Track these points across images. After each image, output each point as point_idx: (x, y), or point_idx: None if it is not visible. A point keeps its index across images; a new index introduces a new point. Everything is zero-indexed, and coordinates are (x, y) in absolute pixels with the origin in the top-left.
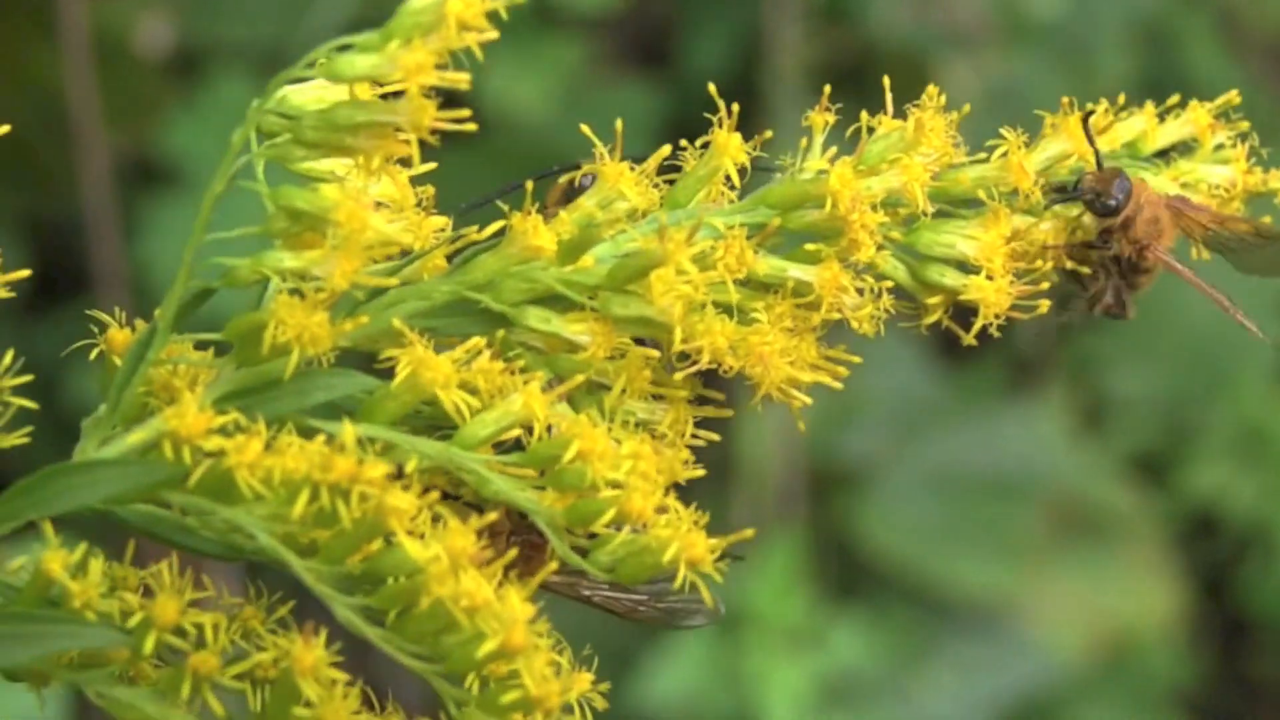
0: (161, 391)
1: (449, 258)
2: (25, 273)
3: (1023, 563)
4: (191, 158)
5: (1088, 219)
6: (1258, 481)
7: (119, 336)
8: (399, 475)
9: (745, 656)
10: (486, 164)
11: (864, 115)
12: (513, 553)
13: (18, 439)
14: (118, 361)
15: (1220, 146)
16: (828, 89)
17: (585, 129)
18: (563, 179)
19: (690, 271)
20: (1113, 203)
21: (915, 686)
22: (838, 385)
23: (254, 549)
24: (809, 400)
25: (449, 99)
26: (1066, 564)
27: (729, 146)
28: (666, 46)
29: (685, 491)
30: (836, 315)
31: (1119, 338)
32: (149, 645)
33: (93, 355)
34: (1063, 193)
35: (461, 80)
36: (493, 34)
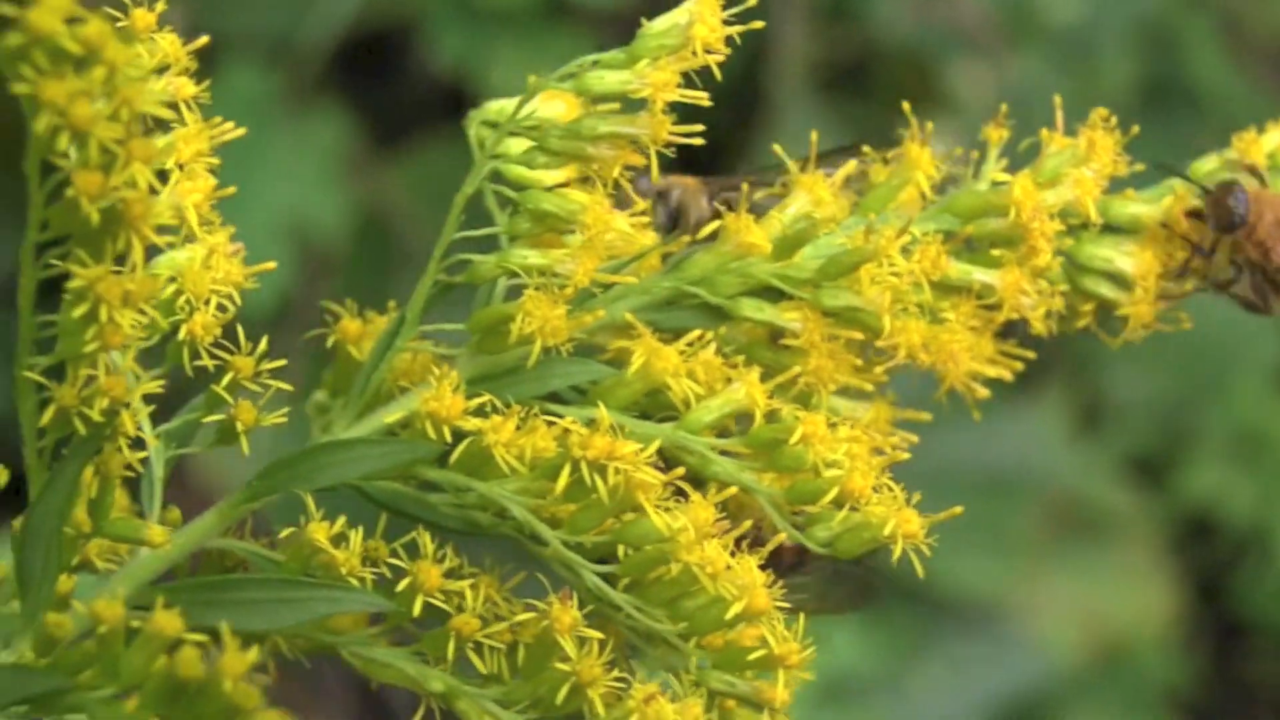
0: (402, 378)
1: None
2: None
3: (1019, 562)
4: None
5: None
6: (1255, 485)
7: (352, 327)
8: None
9: None
10: None
11: (1043, 132)
12: (747, 524)
13: (277, 418)
14: (352, 350)
15: None
16: (1004, 107)
17: (777, 148)
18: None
19: (899, 264)
20: (1236, 219)
21: (911, 684)
22: (1009, 377)
23: (490, 524)
24: (988, 393)
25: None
26: (1063, 564)
27: (921, 160)
28: None
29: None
30: (1015, 315)
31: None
32: (417, 608)
33: (329, 343)
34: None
35: (701, 98)
36: (721, 55)
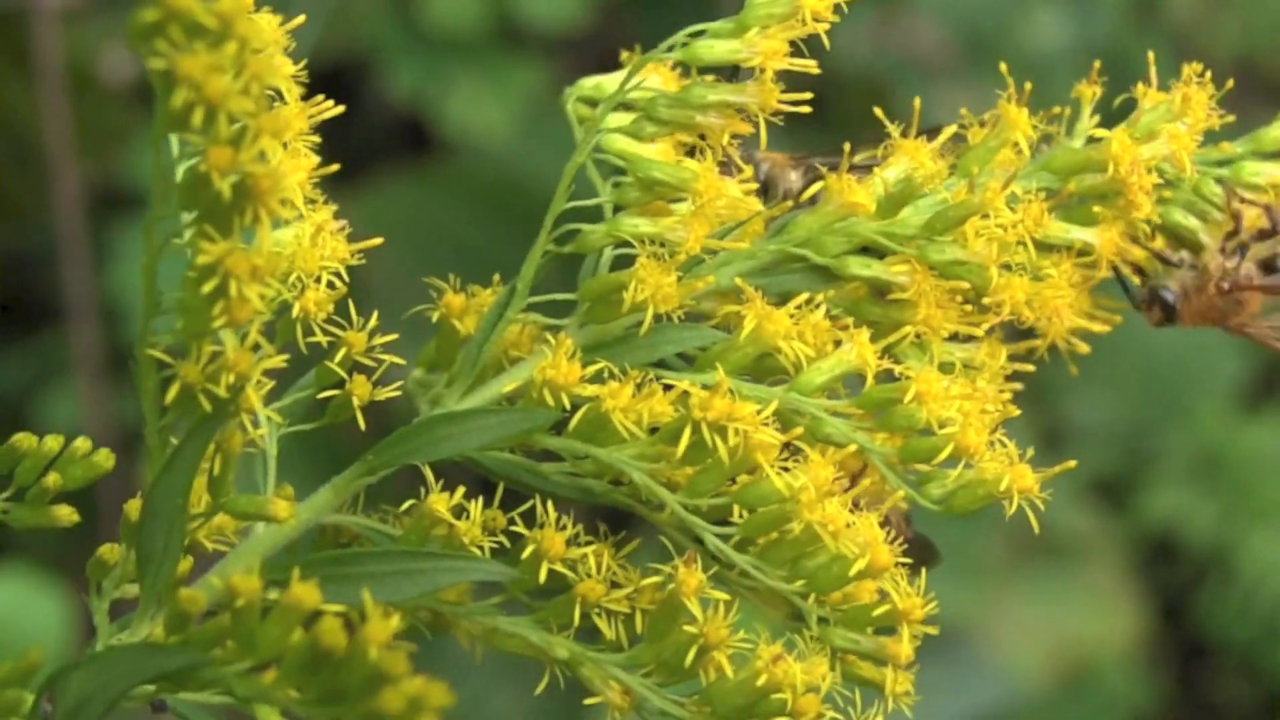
0: (510, 349)
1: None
2: None
3: (983, 585)
4: None
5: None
6: (1216, 505)
7: (456, 301)
8: None
9: None
10: (447, 188)
11: (1138, 87)
12: (866, 483)
13: (390, 392)
14: (456, 324)
15: None
16: (1097, 64)
17: (878, 112)
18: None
19: (1004, 216)
20: (1168, 315)
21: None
22: (1107, 329)
23: (603, 491)
24: (1088, 349)
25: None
26: (1027, 587)
27: (1020, 121)
28: None
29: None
30: (1112, 272)
31: (1078, 363)
32: (542, 576)
33: (435, 318)
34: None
35: (810, 66)
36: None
